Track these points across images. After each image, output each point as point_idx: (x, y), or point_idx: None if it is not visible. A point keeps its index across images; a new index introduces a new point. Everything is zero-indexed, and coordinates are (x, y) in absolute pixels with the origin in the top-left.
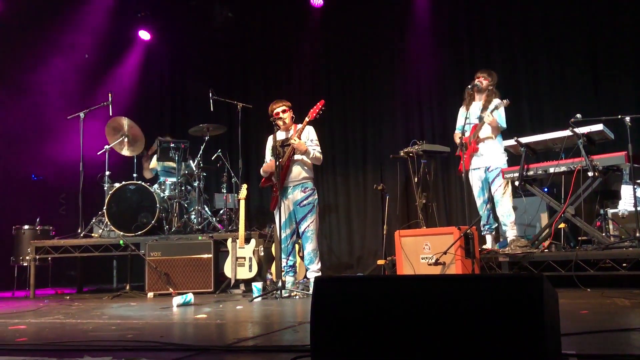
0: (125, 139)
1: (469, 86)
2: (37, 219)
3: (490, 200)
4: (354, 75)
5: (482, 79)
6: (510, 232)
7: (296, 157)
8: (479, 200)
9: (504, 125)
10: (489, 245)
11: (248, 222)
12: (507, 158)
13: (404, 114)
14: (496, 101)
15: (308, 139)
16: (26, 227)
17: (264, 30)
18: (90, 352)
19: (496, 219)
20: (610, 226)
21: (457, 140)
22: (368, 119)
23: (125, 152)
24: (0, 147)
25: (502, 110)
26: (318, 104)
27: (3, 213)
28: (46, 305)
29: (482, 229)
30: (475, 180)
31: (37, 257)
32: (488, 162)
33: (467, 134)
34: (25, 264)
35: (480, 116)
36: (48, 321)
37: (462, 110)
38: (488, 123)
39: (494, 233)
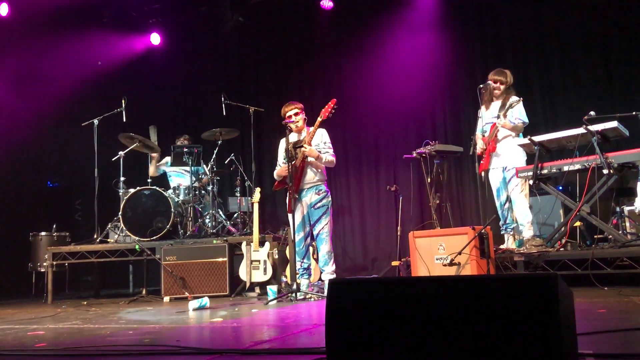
0: (141, 143)
1: (481, 86)
2: (54, 226)
3: (509, 200)
4: (365, 76)
5: (496, 83)
6: (527, 232)
7: (309, 159)
8: (498, 201)
9: (526, 119)
10: (507, 244)
11: (262, 225)
12: (525, 158)
13: (417, 114)
14: (512, 99)
15: (321, 142)
16: (43, 233)
17: (274, 34)
18: (108, 357)
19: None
20: (627, 224)
21: (477, 142)
22: (380, 120)
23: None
24: (16, 154)
25: (520, 106)
26: (330, 102)
27: (20, 220)
28: (64, 310)
29: (500, 228)
30: (494, 180)
31: (54, 263)
32: (506, 162)
33: (487, 134)
34: (42, 270)
35: (498, 115)
36: (66, 326)
37: (480, 111)
38: (502, 126)
39: (512, 233)
